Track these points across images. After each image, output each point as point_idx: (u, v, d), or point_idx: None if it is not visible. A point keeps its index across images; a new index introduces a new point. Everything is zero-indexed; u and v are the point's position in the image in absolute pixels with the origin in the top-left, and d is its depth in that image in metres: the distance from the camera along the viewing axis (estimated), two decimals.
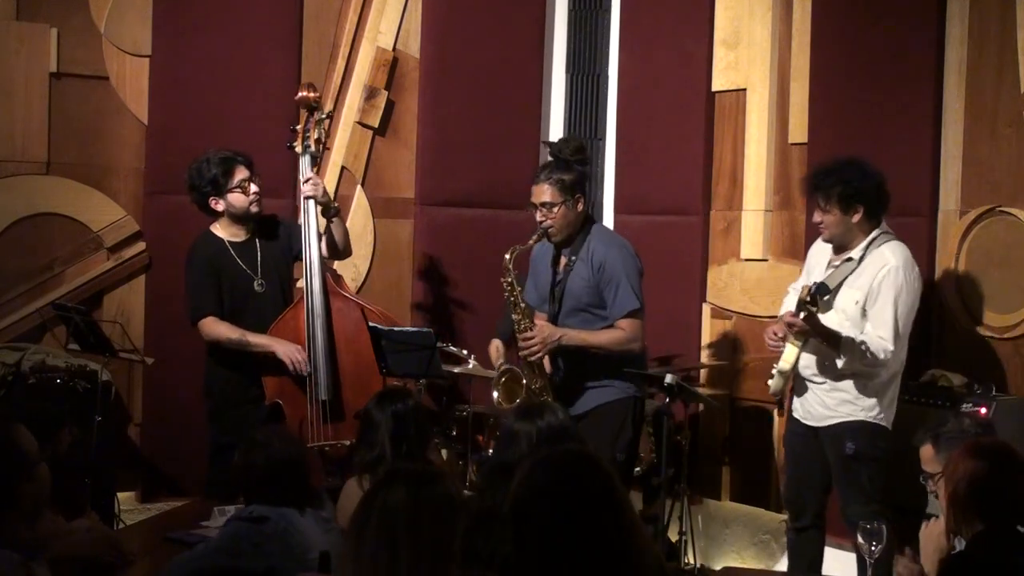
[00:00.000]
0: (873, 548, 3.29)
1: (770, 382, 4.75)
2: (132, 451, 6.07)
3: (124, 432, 6.05)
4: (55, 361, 5.53)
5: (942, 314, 5.17)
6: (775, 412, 5.30)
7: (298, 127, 5.10)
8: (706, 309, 6.10)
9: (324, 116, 5.13)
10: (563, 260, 4.67)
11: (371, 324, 4.80)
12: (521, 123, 6.44)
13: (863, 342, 4.40)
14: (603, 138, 6.60)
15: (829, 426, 4.59)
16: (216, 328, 4.91)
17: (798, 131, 5.72)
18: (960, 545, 2.98)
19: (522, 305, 4.60)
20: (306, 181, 4.98)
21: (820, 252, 4.78)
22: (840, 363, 4.49)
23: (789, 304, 4.82)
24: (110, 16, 5.99)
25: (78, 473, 4.85)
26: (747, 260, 5.88)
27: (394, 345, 4.75)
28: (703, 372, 5.97)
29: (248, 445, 3.56)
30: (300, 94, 5.14)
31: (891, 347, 4.40)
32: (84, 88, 5.99)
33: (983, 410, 4.56)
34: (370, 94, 6.42)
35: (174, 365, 5.90)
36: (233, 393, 4.97)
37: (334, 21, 6.36)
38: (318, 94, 5.20)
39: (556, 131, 6.58)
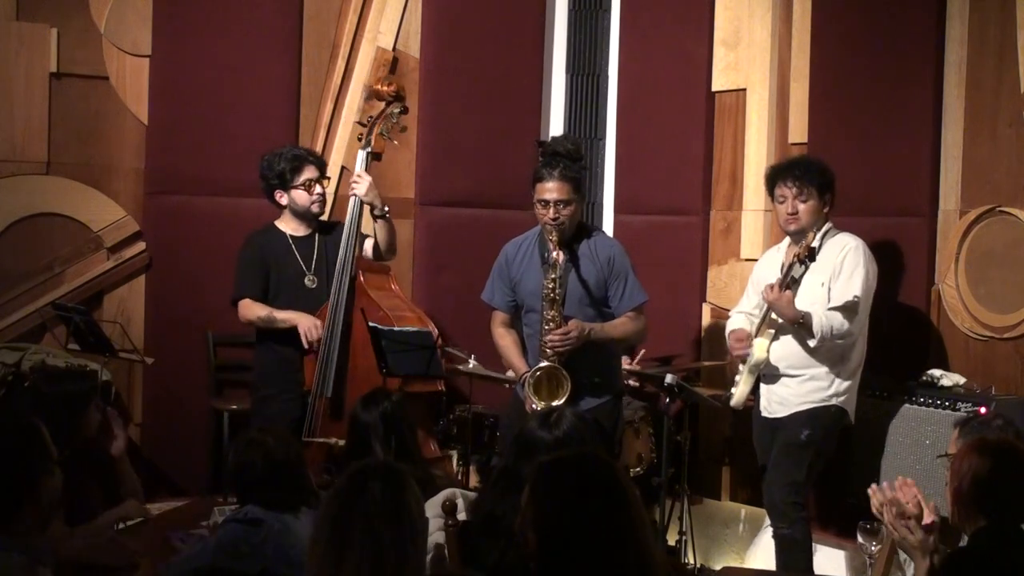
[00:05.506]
0: (873, 548, 3.29)
1: (733, 390, 4.77)
2: (132, 451, 6.06)
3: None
4: (55, 361, 5.53)
5: (942, 314, 5.18)
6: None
7: (367, 119, 5.13)
8: (706, 309, 6.10)
9: (398, 111, 5.09)
10: (556, 257, 4.47)
11: (371, 324, 4.79)
12: (521, 123, 6.44)
13: (830, 310, 4.52)
14: (603, 138, 6.60)
15: (794, 413, 4.66)
16: (250, 308, 5.00)
17: (798, 131, 5.72)
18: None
19: (559, 302, 4.55)
20: (355, 179, 5.01)
21: (768, 267, 4.84)
22: (813, 343, 4.56)
23: (736, 323, 4.86)
24: (110, 16, 5.99)
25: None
26: (747, 260, 5.87)
27: (394, 345, 4.75)
28: (703, 372, 5.96)
29: (242, 445, 3.54)
30: (373, 86, 5.18)
31: (859, 303, 4.54)
32: (84, 88, 5.99)
33: (983, 410, 4.56)
34: (370, 94, 6.41)
35: (174, 365, 5.92)
36: (281, 381, 5.03)
37: (334, 21, 6.36)
38: (392, 88, 5.15)
39: (556, 131, 6.58)
